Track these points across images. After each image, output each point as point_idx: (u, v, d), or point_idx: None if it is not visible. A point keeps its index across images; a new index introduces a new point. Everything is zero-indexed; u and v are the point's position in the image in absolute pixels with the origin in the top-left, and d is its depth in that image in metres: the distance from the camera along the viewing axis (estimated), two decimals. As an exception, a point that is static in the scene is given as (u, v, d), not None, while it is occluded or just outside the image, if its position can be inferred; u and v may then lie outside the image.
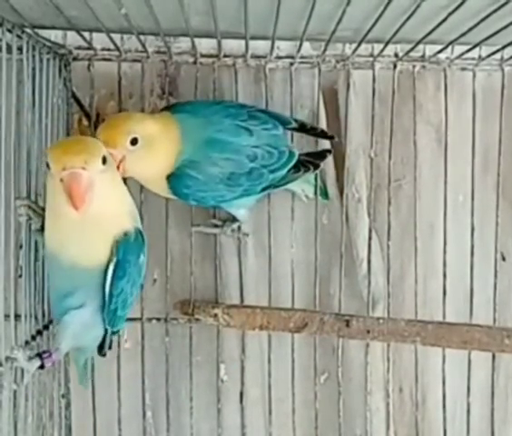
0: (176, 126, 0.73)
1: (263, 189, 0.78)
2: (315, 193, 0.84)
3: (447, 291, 0.85)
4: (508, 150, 0.86)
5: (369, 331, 0.80)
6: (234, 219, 0.83)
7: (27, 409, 0.67)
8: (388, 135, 0.84)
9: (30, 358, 0.63)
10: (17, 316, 0.67)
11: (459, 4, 0.62)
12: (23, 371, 0.64)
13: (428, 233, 0.87)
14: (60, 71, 0.79)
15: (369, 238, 0.85)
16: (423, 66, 0.84)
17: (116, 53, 0.81)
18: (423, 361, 0.86)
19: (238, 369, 0.87)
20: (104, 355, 0.75)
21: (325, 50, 0.81)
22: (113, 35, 0.76)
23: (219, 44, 0.79)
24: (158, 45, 0.81)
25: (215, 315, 0.81)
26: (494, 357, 0.85)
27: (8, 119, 0.62)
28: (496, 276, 0.85)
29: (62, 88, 0.80)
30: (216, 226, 0.84)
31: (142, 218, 0.69)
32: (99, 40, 0.79)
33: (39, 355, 0.65)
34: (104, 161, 0.62)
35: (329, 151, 0.81)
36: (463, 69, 0.84)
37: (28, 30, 0.68)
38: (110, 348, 0.75)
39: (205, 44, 0.82)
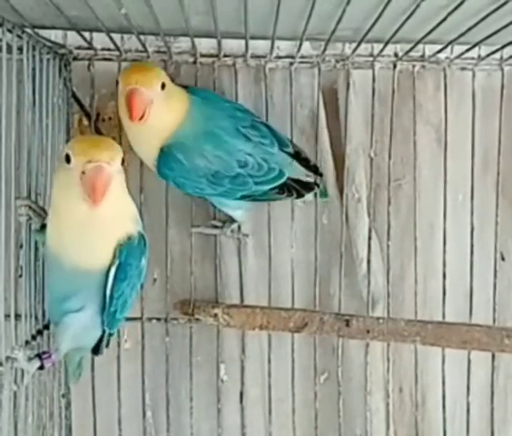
0: (187, 101, 0.73)
1: (242, 197, 0.77)
2: (314, 196, 0.84)
3: (446, 290, 0.85)
4: (508, 149, 0.86)
5: (368, 331, 0.80)
6: (233, 220, 0.83)
7: (27, 409, 0.67)
8: (387, 135, 0.84)
9: (30, 358, 0.63)
10: (17, 316, 0.67)
11: (459, 4, 0.62)
12: (23, 371, 0.64)
13: (427, 233, 0.87)
14: (60, 71, 0.79)
15: (369, 238, 0.85)
16: (423, 66, 0.84)
17: (116, 52, 0.81)
18: (423, 360, 0.86)
19: (238, 369, 0.87)
20: (99, 354, 0.75)
21: (325, 50, 0.81)
22: (113, 35, 0.76)
23: (219, 43, 0.79)
24: (158, 45, 0.81)
25: (215, 315, 0.81)
26: (494, 357, 0.85)
27: (8, 119, 0.62)
28: (495, 276, 0.85)
29: (62, 88, 0.80)
30: (216, 227, 0.84)
31: (142, 218, 0.69)
32: (99, 40, 0.79)
33: (39, 356, 0.65)
34: (122, 162, 0.62)
35: (317, 184, 0.81)
36: (463, 69, 0.85)
37: (28, 30, 0.69)
38: (107, 346, 0.75)
39: (205, 44, 0.82)
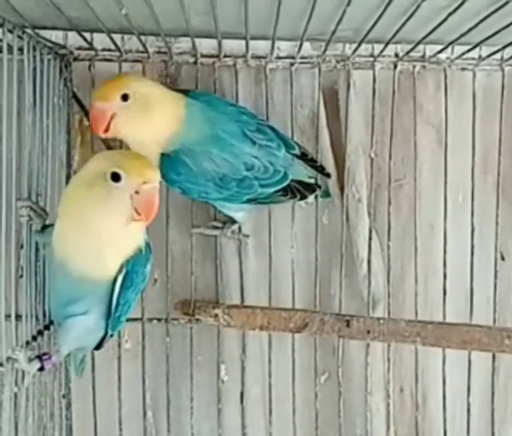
0: (184, 106, 0.73)
1: (248, 200, 0.77)
2: (315, 198, 0.84)
3: (447, 291, 0.85)
4: (508, 150, 0.86)
5: (369, 332, 0.80)
6: (234, 221, 0.83)
7: (28, 409, 0.67)
8: (388, 135, 0.84)
9: (30, 359, 0.63)
10: (18, 316, 0.67)
11: (459, 5, 0.62)
12: (23, 371, 0.64)
13: (428, 233, 0.87)
14: (61, 71, 0.79)
15: (370, 238, 0.85)
16: (423, 66, 0.84)
17: (117, 53, 0.81)
18: (423, 361, 0.86)
19: (238, 369, 0.87)
20: (99, 349, 0.75)
21: (325, 50, 0.81)
22: (113, 36, 0.76)
23: (219, 44, 0.79)
24: (159, 46, 0.81)
25: (216, 315, 0.81)
26: (494, 357, 0.85)
27: (9, 119, 0.62)
28: (496, 276, 0.85)
29: (62, 88, 0.80)
30: (216, 228, 0.84)
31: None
32: (100, 40, 0.79)
33: (39, 357, 0.65)
34: None
35: (319, 186, 0.81)
36: (463, 69, 0.85)
37: (29, 31, 0.68)
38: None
39: (206, 45, 0.82)
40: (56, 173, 0.77)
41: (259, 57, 0.83)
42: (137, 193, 0.60)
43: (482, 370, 0.86)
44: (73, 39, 0.79)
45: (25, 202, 0.68)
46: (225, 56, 0.83)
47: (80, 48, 0.80)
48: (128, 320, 0.73)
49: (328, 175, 0.83)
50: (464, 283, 0.86)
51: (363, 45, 0.78)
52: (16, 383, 0.64)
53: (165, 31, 0.74)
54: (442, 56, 0.82)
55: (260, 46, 0.82)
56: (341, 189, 0.86)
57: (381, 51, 0.81)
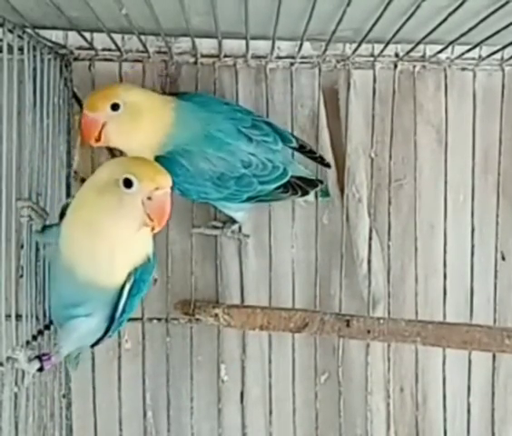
0: (172, 109, 0.74)
1: (249, 198, 0.78)
2: (315, 197, 0.84)
3: (447, 291, 0.85)
4: (509, 150, 0.86)
5: (369, 332, 0.80)
6: (234, 220, 0.83)
7: (28, 409, 0.67)
8: (388, 135, 0.84)
9: (30, 359, 0.63)
10: (18, 316, 0.67)
11: (460, 5, 0.62)
12: (24, 371, 0.64)
13: (428, 233, 0.87)
14: (61, 71, 0.79)
15: (370, 238, 0.85)
16: (423, 66, 0.84)
17: (117, 53, 0.81)
18: (423, 361, 0.86)
19: (238, 369, 0.87)
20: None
21: (325, 50, 0.81)
22: (113, 36, 0.76)
23: (219, 44, 0.79)
24: (159, 45, 0.81)
25: (216, 315, 0.81)
26: (494, 357, 0.85)
27: (9, 119, 0.62)
28: (496, 276, 0.85)
29: (63, 88, 0.80)
30: (216, 228, 0.84)
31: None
32: (100, 40, 0.79)
33: (38, 358, 0.65)
34: None
35: (320, 181, 0.81)
36: (463, 69, 0.85)
37: (29, 30, 0.68)
38: None
39: (206, 45, 0.82)
40: (56, 172, 0.78)
41: (259, 57, 0.83)
42: (149, 198, 0.60)
43: (482, 370, 0.86)
44: (74, 39, 0.79)
45: (26, 202, 0.68)
46: (225, 56, 0.83)
47: (80, 48, 0.80)
48: (128, 320, 0.73)
49: (327, 165, 0.83)
50: (464, 283, 0.86)
51: (363, 45, 0.78)
52: (16, 383, 0.64)
53: (165, 31, 0.74)
54: (442, 56, 0.82)
55: (261, 46, 0.82)
56: (341, 189, 0.86)
57: (381, 51, 0.81)
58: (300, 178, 0.79)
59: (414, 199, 0.85)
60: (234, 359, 0.87)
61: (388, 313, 0.85)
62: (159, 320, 0.85)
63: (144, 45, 0.79)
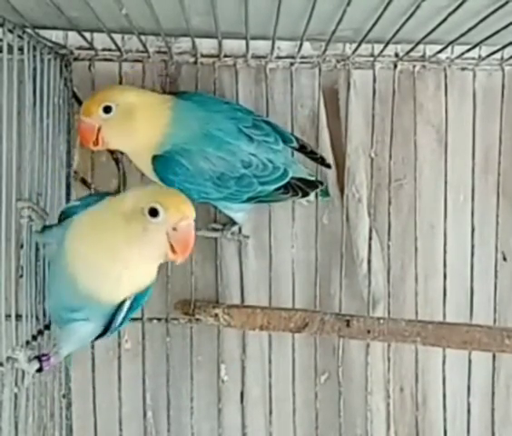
0: (169, 108, 0.74)
1: (249, 199, 0.77)
2: (315, 197, 0.84)
3: (447, 291, 0.85)
4: (509, 149, 0.86)
5: (369, 332, 0.80)
6: (234, 222, 0.83)
7: (28, 409, 0.67)
8: (388, 135, 0.84)
9: (30, 359, 0.63)
10: (18, 316, 0.67)
11: (459, 4, 0.62)
12: (24, 371, 0.64)
13: (428, 233, 0.87)
14: (61, 71, 0.79)
15: (370, 238, 0.85)
16: (423, 66, 0.84)
17: (117, 53, 0.81)
18: (423, 361, 0.86)
19: (238, 369, 0.87)
20: None
21: (325, 50, 0.81)
22: (113, 36, 0.76)
23: (219, 44, 0.80)
24: (159, 45, 0.81)
25: (216, 315, 0.81)
26: (494, 357, 0.85)
27: (9, 119, 0.62)
28: (496, 276, 0.85)
29: (63, 88, 0.80)
30: (216, 230, 0.84)
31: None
32: (100, 40, 0.79)
33: (38, 358, 0.65)
34: None
35: (320, 182, 0.81)
36: (463, 69, 0.85)
37: (29, 30, 0.69)
38: None
39: (206, 45, 0.82)
40: (56, 172, 0.78)
41: (259, 57, 0.83)
42: (174, 229, 0.60)
43: (482, 370, 0.86)
44: (74, 39, 0.79)
45: (26, 202, 0.68)
46: (225, 56, 0.83)
47: (80, 48, 0.80)
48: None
49: (328, 166, 0.83)
50: (464, 283, 0.86)
51: (363, 45, 0.78)
52: (16, 383, 0.64)
53: (165, 31, 0.74)
54: (442, 56, 0.82)
55: (261, 46, 0.82)
56: (341, 189, 0.86)
57: (381, 51, 0.81)
58: (300, 179, 0.79)
59: (414, 199, 0.85)
60: (234, 359, 0.87)
61: (388, 313, 0.85)
62: (159, 320, 0.85)
63: (144, 45, 0.79)
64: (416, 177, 0.86)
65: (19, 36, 0.64)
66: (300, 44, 0.79)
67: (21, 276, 0.71)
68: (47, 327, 0.75)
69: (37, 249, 0.71)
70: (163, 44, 0.78)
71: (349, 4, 0.63)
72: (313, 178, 0.81)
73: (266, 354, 0.85)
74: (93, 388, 0.83)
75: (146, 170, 0.75)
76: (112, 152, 0.83)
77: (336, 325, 0.80)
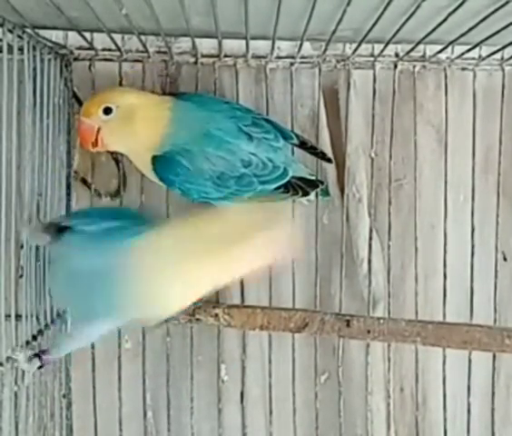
0: (168, 108, 0.73)
1: (250, 198, 0.77)
2: (315, 196, 0.84)
3: (447, 291, 0.85)
4: (509, 150, 0.86)
5: (369, 332, 0.80)
6: (234, 221, 0.83)
7: (28, 409, 0.67)
8: (388, 135, 0.84)
9: (30, 358, 0.63)
10: (18, 316, 0.67)
11: (460, 4, 0.62)
12: (23, 371, 0.64)
13: (428, 233, 0.87)
14: (61, 71, 0.79)
15: (370, 238, 0.85)
16: (423, 66, 0.84)
17: (117, 53, 0.81)
18: (424, 361, 0.86)
19: (238, 369, 0.87)
20: None
21: (325, 50, 0.81)
22: (113, 36, 0.76)
23: (219, 44, 0.79)
24: (159, 45, 0.81)
25: (216, 315, 0.81)
26: (494, 357, 0.85)
27: (9, 119, 0.62)
28: (496, 276, 0.85)
29: (63, 88, 0.80)
30: None
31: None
32: (100, 40, 0.79)
33: (37, 355, 0.65)
34: None
35: (321, 182, 0.81)
36: (463, 69, 0.85)
37: (29, 30, 0.68)
38: None
39: (206, 45, 0.82)
40: (56, 173, 0.78)
41: (259, 57, 0.83)
42: None
43: (482, 370, 0.86)
44: (74, 39, 0.79)
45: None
46: (225, 56, 0.83)
47: (80, 48, 0.80)
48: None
49: (329, 160, 0.83)
50: (464, 283, 0.86)
51: (363, 45, 0.78)
52: (16, 383, 0.64)
53: (165, 31, 0.74)
54: (442, 56, 0.82)
55: (261, 46, 0.82)
56: (341, 189, 0.86)
57: (381, 51, 0.81)
58: (300, 178, 0.79)
59: (414, 199, 0.85)
60: (234, 359, 0.87)
61: (389, 313, 0.85)
62: (159, 320, 0.85)
63: (144, 45, 0.79)
64: (416, 177, 0.85)
65: (19, 36, 0.64)
66: (300, 44, 0.79)
67: (21, 276, 0.71)
68: (47, 327, 0.74)
69: (37, 249, 0.71)
70: (163, 44, 0.78)
71: (349, 4, 0.63)
72: (313, 177, 0.81)
73: (266, 354, 0.85)
74: (94, 388, 0.83)
75: (146, 170, 0.75)
76: (112, 152, 0.83)
77: (336, 325, 0.80)
